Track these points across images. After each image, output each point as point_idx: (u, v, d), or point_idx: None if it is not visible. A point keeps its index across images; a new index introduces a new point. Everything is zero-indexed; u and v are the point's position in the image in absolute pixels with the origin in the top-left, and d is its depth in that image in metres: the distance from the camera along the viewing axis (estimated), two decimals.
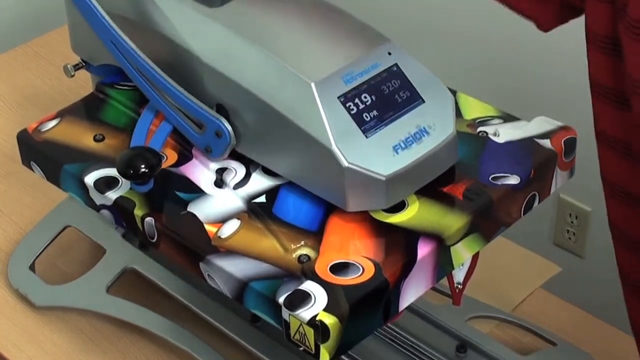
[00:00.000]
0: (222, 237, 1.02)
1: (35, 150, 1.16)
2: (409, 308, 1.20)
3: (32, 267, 1.33)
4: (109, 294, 1.28)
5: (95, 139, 1.14)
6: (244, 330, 1.22)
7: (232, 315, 1.24)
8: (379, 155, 0.99)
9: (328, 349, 0.93)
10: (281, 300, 0.94)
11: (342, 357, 1.19)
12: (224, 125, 1.07)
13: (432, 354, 1.21)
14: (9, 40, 1.79)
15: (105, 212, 1.09)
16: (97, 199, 1.09)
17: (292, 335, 0.94)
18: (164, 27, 1.11)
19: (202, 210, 1.05)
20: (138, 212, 1.05)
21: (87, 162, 1.11)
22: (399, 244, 0.99)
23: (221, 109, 1.08)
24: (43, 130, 1.17)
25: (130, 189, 1.07)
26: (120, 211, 1.07)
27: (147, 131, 1.13)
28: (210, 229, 1.02)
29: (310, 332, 0.93)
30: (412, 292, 0.99)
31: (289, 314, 0.93)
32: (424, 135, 1.01)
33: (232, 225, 1.03)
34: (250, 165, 1.09)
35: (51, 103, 1.60)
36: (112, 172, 1.09)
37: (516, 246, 1.39)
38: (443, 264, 1.01)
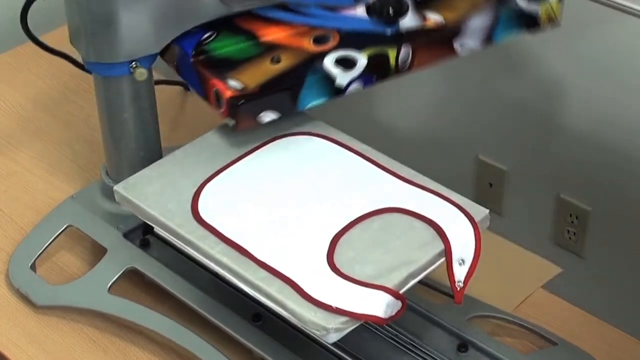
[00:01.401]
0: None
1: (265, 98, 1.20)
2: (410, 307, 1.20)
3: (33, 267, 1.33)
4: (110, 293, 1.28)
5: (274, 61, 1.22)
6: (245, 329, 1.22)
7: (233, 314, 1.24)
8: None
9: None
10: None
11: (343, 356, 1.19)
12: None
13: (433, 353, 1.21)
14: (9, 40, 1.79)
15: (355, 85, 1.22)
16: (344, 78, 1.21)
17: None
18: None
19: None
20: (391, 52, 1.23)
21: (309, 71, 1.21)
22: None
23: None
24: (239, 88, 1.20)
25: (369, 47, 1.22)
26: (375, 65, 1.22)
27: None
28: (432, 24, 1.25)
29: None
30: None
31: None
32: None
33: None
34: None
35: (51, 103, 1.60)
36: (335, 56, 1.22)
37: (516, 246, 1.39)
38: None
